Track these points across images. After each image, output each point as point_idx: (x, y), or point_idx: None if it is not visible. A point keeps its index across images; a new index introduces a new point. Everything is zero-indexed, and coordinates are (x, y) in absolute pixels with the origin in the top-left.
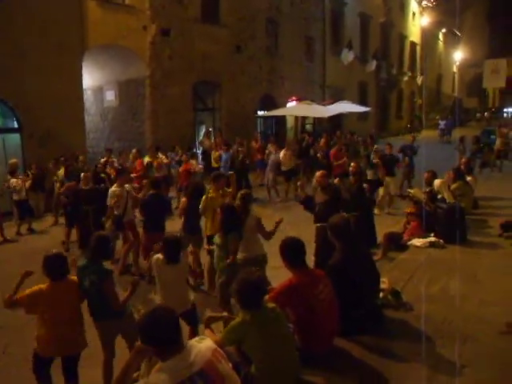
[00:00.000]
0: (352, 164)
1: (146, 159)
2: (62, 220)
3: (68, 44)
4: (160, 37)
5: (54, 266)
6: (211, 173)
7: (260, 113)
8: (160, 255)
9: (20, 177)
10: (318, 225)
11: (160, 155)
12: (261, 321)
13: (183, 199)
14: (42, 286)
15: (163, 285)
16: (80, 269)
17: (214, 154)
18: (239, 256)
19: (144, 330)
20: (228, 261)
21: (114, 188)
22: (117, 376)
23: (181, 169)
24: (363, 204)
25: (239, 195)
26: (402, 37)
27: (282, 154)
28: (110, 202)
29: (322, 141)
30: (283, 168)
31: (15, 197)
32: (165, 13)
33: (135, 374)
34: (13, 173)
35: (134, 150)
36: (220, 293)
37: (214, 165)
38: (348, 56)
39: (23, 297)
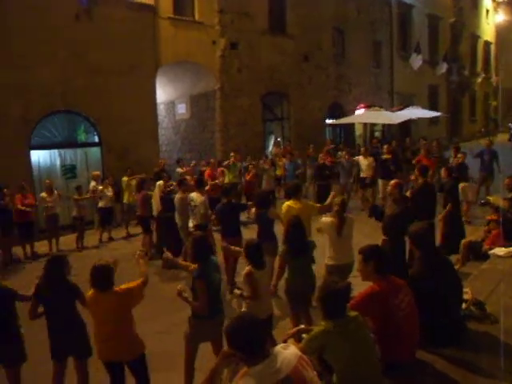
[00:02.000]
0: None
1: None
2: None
3: (142, 62)
4: (229, 50)
5: (99, 276)
6: (278, 181)
7: (328, 121)
8: (250, 267)
9: (105, 182)
10: (383, 238)
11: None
12: (343, 329)
13: (252, 210)
14: (89, 294)
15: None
16: (206, 273)
17: (279, 162)
18: (329, 262)
19: (232, 335)
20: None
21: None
22: (203, 380)
23: (246, 177)
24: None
25: (337, 202)
26: (475, 36)
27: (362, 160)
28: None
29: (386, 148)
30: (362, 175)
31: (100, 204)
32: (233, 27)
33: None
34: (99, 182)
35: (212, 160)
36: (289, 301)
37: (278, 173)
38: (416, 60)
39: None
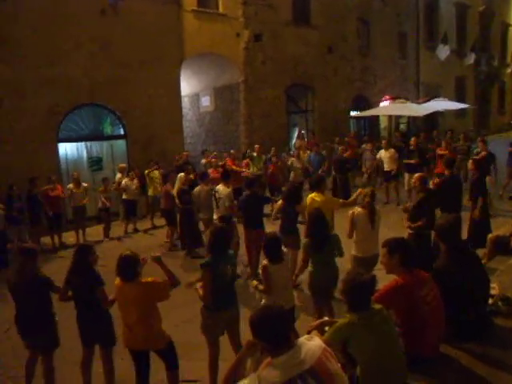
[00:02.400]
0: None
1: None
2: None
3: (167, 55)
4: (253, 42)
5: (125, 267)
6: (306, 173)
7: (353, 113)
8: (266, 261)
9: (130, 174)
10: (409, 231)
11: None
12: (368, 322)
13: (279, 202)
14: (116, 283)
15: (272, 285)
16: (214, 265)
17: (303, 155)
18: (357, 254)
19: (257, 325)
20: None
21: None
22: (227, 370)
23: (270, 169)
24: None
25: (368, 192)
26: (505, 25)
27: (383, 153)
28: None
29: (412, 140)
30: (386, 168)
31: (125, 196)
32: (257, 18)
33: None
34: (125, 174)
35: (232, 151)
36: (312, 295)
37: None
38: (443, 50)
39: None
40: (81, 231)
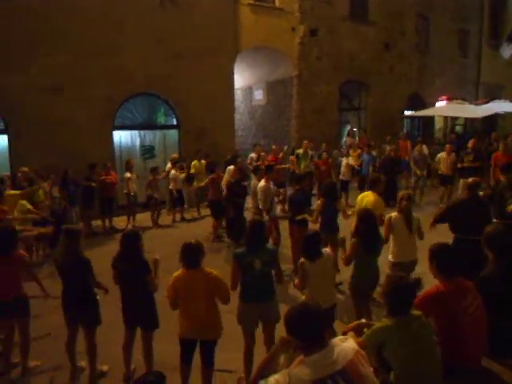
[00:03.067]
0: None
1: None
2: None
3: (222, 48)
4: (308, 37)
5: (190, 254)
6: (353, 171)
7: (407, 113)
8: (302, 258)
9: (178, 164)
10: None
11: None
12: (405, 327)
13: (319, 201)
14: (178, 273)
15: (309, 281)
16: (241, 255)
17: (353, 153)
18: (393, 259)
19: (291, 322)
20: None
21: (262, 183)
22: (260, 363)
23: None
24: None
25: (402, 195)
26: None
27: (444, 157)
28: (260, 196)
29: (471, 143)
30: (442, 171)
31: (172, 185)
32: (313, 13)
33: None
34: (173, 165)
35: (285, 147)
36: (352, 296)
37: (351, 163)
38: (508, 49)
39: (168, 288)
40: (131, 217)
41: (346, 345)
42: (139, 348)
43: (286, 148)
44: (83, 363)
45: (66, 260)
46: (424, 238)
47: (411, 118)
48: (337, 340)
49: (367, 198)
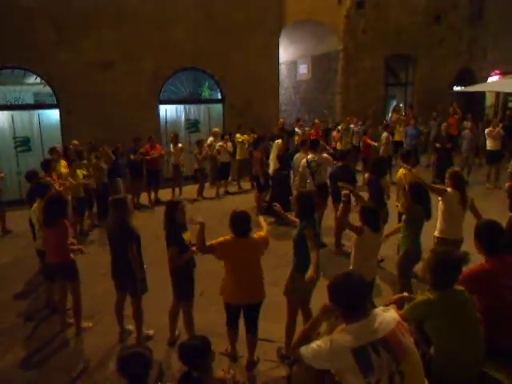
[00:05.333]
0: None
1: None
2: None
3: (267, 21)
4: (354, 10)
5: (239, 222)
6: (395, 147)
7: (456, 88)
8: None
9: (225, 137)
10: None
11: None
12: (448, 302)
13: (366, 175)
14: (228, 238)
15: (360, 252)
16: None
17: (399, 129)
18: (439, 235)
19: (336, 290)
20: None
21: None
22: (302, 330)
23: (362, 140)
24: None
25: (448, 174)
26: None
27: (490, 131)
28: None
29: None
30: (488, 147)
31: (218, 159)
32: None
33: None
34: (219, 138)
35: (316, 121)
36: (400, 269)
37: (397, 138)
38: None
39: (216, 244)
40: (177, 189)
41: (387, 315)
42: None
43: (317, 121)
44: (131, 327)
45: (115, 229)
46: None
47: (461, 93)
48: (379, 310)
49: (407, 173)
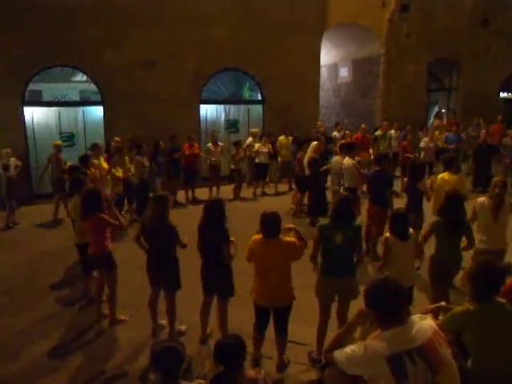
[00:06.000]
0: None
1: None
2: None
3: (310, 23)
4: (398, 13)
5: (268, 223)
6: (437, 153)
7: (503, 95)
8: (389, 234)
9: (263, 139)
10: None
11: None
12: (488, 314)
13: (405, 179)
14: (257, 238)
15: (392, 260)
16: (324, 227)
17: (439, 135)
18: (479, 246)
19: (372, 295)
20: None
21: (348, 161)
22: (336, 334)
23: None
24: None
25: (496, 182)
26: None
27: None
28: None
29: None
30: None
31: (257, 160)
32: None
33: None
34: (258, 138)
35: (363, 125)
36: (431, 280)
37: (439, 145)
38: None
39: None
40: (214, 188)
41: (425, 322)
42: (216, 313)
43: (363, 126)
44: (164, 322)
45: (153, 225)
46: None
47: (508, 101)
48: (416, 317)
49: (446, 179)
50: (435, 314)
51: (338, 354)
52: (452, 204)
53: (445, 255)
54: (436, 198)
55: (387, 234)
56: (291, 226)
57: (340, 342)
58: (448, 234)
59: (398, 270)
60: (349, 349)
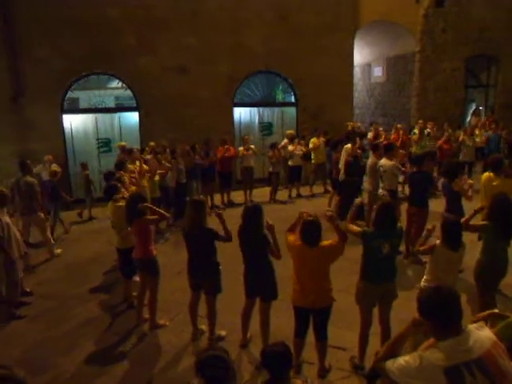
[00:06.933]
0: None
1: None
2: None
3: (342, 23)
4: (433, 9)
5: (308, 232)
6: (477, 153)
7: None
8: (439, 242)
9: (295, 141)
10: None
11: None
12: None
13: (441, 180)
14: (298, 243)
15: (435, 268)
16: (369, 237)
17: (478, 133)
18: None
19: (428, 304)
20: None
21: (388, 162)
22: (389, 343)
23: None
24: None
25: None
26: None
27: None
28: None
29: None
30: None
31: (290, 162)
32: None
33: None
34: (291, 141)
35: (398, 125)
36: (478, 285)
37: (478, 143)
38: None
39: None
40: (248, 191)
41: (482, 333)
42: (257, 317)
43: (399, 126)
44: (204, 327)
45: (192, 229)
46: None
47: None
48: (472, 327)
49: (493, 181)
50: (487, 321)
51: (391, 365)
52: (501, 207)
53: (493, 259)
54: (482, 200)
55: (438, 242)
56: (331, 213)
57: (392, 352)
58: (496, 237)
59: (438, 276)
60: (402, 359)
